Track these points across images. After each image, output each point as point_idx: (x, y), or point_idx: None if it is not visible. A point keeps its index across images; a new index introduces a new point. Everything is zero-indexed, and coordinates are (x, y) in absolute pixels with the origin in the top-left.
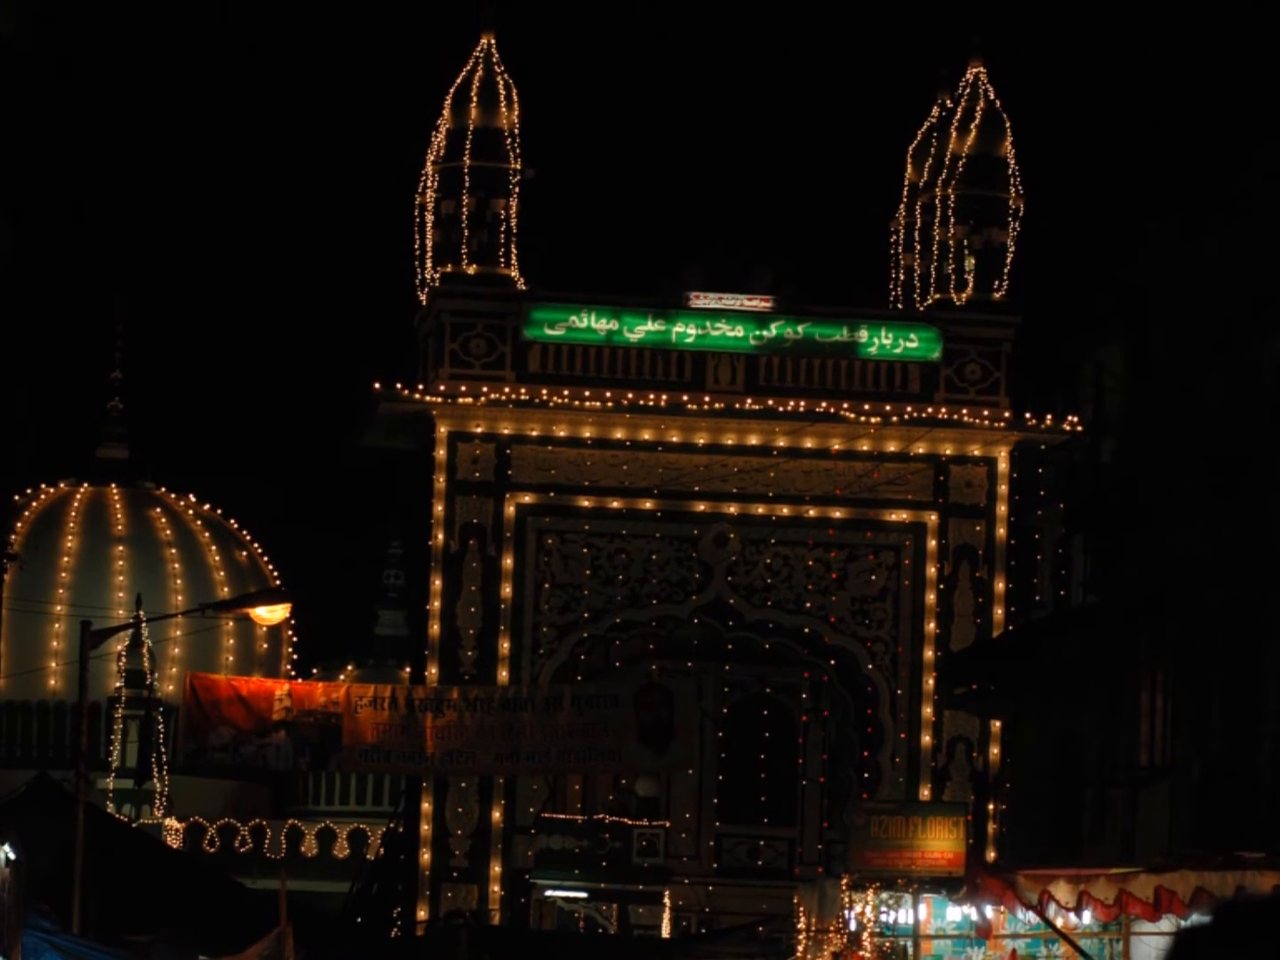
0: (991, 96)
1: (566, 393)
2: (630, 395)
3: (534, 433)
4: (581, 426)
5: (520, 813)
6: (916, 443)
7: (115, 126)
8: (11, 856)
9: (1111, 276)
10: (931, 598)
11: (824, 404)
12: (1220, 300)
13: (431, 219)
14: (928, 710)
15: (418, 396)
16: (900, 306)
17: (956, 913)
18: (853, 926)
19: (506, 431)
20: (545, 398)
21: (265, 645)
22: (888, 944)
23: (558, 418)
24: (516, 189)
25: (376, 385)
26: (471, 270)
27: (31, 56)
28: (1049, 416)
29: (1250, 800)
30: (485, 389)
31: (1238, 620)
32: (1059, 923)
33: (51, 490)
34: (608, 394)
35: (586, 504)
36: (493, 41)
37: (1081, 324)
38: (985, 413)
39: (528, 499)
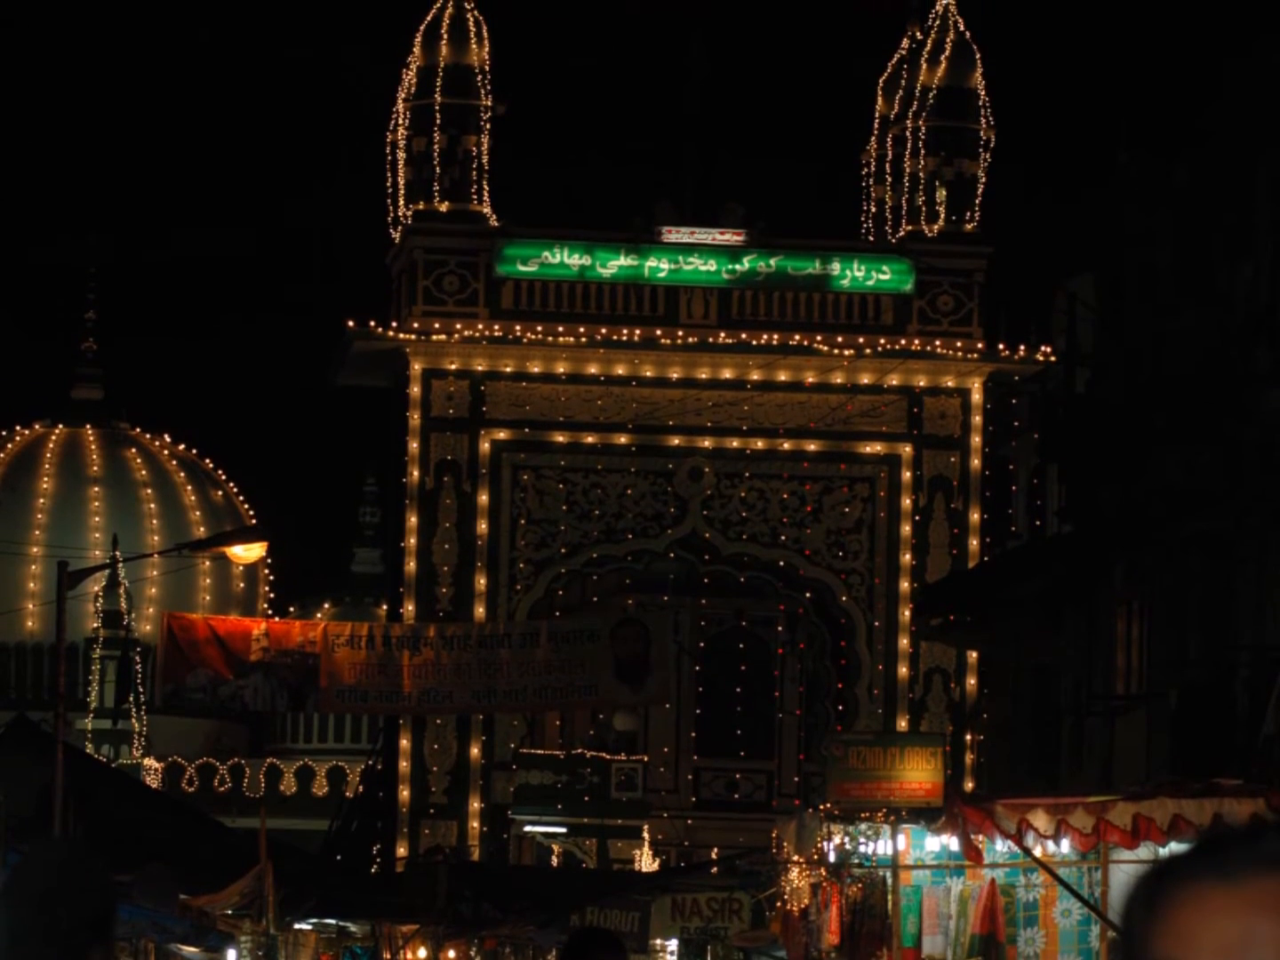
0: (961, 27)
1: (540, 328)
2: (604, 330)
3: (508, 369)
4: (555, 362)
5: (499, 748)
6: (890, 375)
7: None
8: None
9: (1083, 205)
10: (907, 529)
11: (797, 337)
12: (1190, 228)
13: (404, 156)
14: (904, 642)
15: (391, 334)
16: (872, 239)
17: (935, 843)
18: (832, 858)
19: (480, 368)
20: (519, 334)
21: (242, 584)
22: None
23: (531, 354)
24: (488, 125)
25: (350, 323)
26: (444, 207)
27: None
28: (1022, 347)
29: (1228, 727)
30: (459, 326)
31: (1212, 547)
32: (1038, 851)
33: (26, 432)
34: (581, 329)
35: (561, 439)
36: None
37: (1053, 255)
38: (959, 344)
39: (502, 435)
